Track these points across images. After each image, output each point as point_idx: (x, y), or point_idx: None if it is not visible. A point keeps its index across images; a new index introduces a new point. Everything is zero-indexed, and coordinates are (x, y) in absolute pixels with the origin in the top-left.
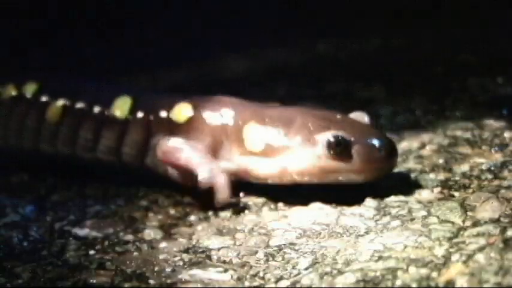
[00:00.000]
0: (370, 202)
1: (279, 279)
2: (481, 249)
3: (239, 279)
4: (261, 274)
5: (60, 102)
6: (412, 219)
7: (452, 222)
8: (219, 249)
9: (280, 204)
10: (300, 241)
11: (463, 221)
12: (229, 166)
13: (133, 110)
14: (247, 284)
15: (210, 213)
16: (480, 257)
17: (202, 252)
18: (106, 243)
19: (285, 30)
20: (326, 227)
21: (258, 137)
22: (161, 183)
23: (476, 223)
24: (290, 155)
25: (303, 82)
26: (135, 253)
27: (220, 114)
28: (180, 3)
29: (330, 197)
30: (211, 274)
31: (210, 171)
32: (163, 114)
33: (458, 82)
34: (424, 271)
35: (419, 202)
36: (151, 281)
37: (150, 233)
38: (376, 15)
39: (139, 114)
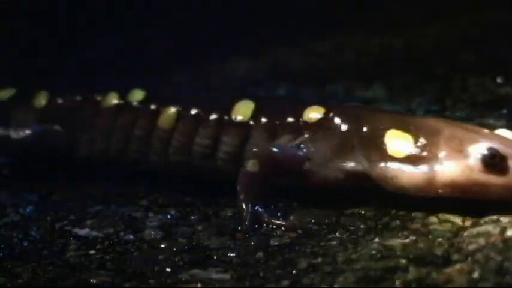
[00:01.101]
0: (370, 202)
1: (279, 279)
2: (480, 249)
3: (239, 279)
4: (261, 274)
5: (174, 108)
6: (412, 219)
7: (452, 222)
8: (219, 249)
9: (280, 204)
10: (300, 241)
11: (463, 221)
12: (359, 169)
13: (256, 114)
14: (247, 284)
15: (210, 213)
16: (480, 257)
17: (203, 252)
18: (106, 243)
19: (285, 30)
20: (326, 227)
21: (403, 144)
22: (161, 183)
23: (476, 223)
24: (439, 165)
25: (303, 82)
26: (136, 253)
27: (356, 119)
28: (181, 3)
29: (330, 197)
30: (211, 274)
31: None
32: (290, 117)
33: (458, 82)
34: (424, 271)
35: (419, 202)
36: (152, 281)
37: (150, 233)
38: (376, 15)
39: (263, 118)
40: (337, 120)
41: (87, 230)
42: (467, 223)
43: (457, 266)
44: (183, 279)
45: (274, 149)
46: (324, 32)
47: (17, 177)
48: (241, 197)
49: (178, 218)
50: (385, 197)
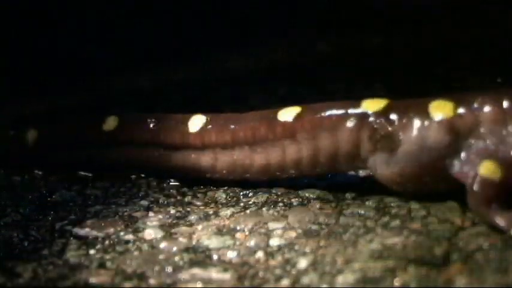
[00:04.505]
0: (370, 202)
1: (279, 279)
2: (480, 249)
3: (239, 279)
4: (261, 274)
5: None
6: (412, 219)
7: (452, 222)
8: (219, 249)
9: (280, 204)
10: (300, 241)
11: (463, 221)
12: None
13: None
14: (247, 283)
15: (210, 213)
16: (479, 257)
17: (203, 251)
18: (106, 242)
19: (285, 30)
20: (326, 227)
21: None
22: (161, 183)
23: (475, 223)
24: None
25: (303, 82)
26: (136, 253)
27: None
28: (180, 2)
29: (330, 197)
30: (211, 274)
31: None
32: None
33: (458, 82)
34: (423, 271)
35: (419, 202)
36: (152, 281)
37: (150, 233)
38: (376, 15)
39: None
40: None
41: (87, 230)
42: (467, 223)
43: (457, 266)
44: (183, 278)
45: None
46: (324, 31)
47: (17, 176)
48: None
49: (178, 218)
50: (384, 196)
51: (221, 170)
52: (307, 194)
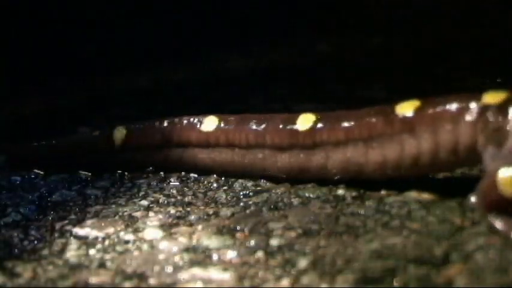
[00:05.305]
0: (370, 202)
1: (278, 279)
2: (480, 248)
3: (239, 279)
4: (261, 274)
5: None
6: (412, 219)
7: (452, 222)
8: (219, 248)
9: (280, 204)
10: (300, 241)
11: (462, 221)
12: None
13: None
14: (247, 283)
15: (210, 213)
16: (479, 257)
17: (203, 251)
18: (106, 242)
19: (286, 30)
20: (326, 227)
21: None
22: (161, 183)
23: (475, 223)
24: None
25: (303, 82)
26: (136, 253)
27: None
28: (180, 2)
29: (330, 197)
30: (211, 274)
31: None
32: None
33: (458, 82)
34: (423, 270)
35: (419, 202)
36: (152, 281)
37: (150, 233)
38: (376, 15)
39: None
40: None
41: (87, 230)
42: (467, 223)
43: (457, 266)
44: (183, 278)
45: None
46: (324, 32)
47: (17, 176)
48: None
49: (178, 218)
50: (384, 196)
51: (332, 169)
52: (307, 194)
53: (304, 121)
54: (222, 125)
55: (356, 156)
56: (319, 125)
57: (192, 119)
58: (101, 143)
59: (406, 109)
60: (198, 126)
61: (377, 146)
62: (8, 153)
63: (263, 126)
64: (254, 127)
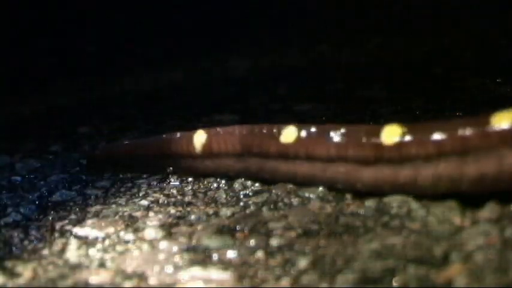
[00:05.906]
0: (370, 202)
1: (279, 279)
2: (479, 248)
3: (239, 278)
4: (261, 274)
5: None
6: (412, 219)
7: (452, 222)
8: (219, 248)
9: (280, 204)
10: (300, 241)
11: (462, 221)
12: None
13: None
14: (247, 283)
15: (210, 213)
16: (479, 257)
17: (203, 251)
18: (106, 242)
19: (285, 31)
20: (326, 227)
21: None
22: (161, 183)
23: (475, 223)
24: None
25: (303, 82)
26: (136, 252)
27: None
28: (181, 3)
29: (330, 197)
30: (211, 273)
31: None
32: None
33: (458, 82)
34: (423, 270)
35: (419, 202)
36: (152, 280)
37: (150, 233)
38: (376, 15)
39: None
40: None
41: (87, 230)
42: (467, 223)
43: (456, 266)
44: (183, 278)
45: None
46: (323, 32)
47: (18, 176)
48: None
49: (178, 218)
50: (384, 196)
51: (423, 184)
52: (307, 194)
53: (390, 134)
54: (302, 135)
55: (449, 171)
56: (407, 138)
57: (271, 129)
58: (183, 147)
59: (504, 120)
60: (277, 136)
61: (473, 160)
62: (85, 155)
63: (345, 138)
64: (335, 139)
